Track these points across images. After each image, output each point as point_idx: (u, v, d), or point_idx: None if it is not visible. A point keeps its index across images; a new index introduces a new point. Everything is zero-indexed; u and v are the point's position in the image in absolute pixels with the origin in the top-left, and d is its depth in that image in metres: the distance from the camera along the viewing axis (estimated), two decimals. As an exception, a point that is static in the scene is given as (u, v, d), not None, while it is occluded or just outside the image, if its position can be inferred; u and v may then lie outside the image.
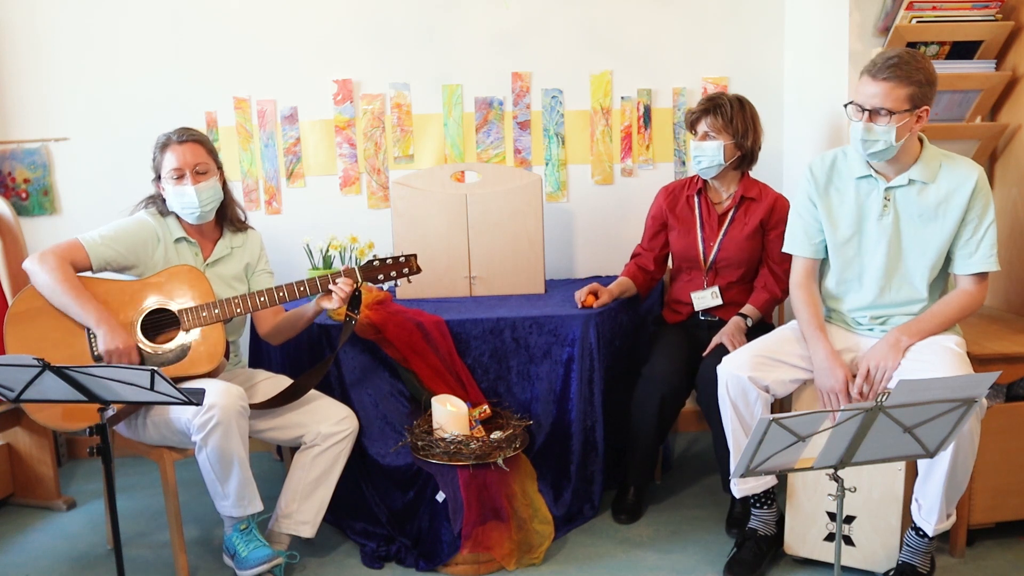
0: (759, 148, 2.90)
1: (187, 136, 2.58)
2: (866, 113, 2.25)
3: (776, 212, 2.86)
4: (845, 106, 2.32)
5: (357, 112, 3.46)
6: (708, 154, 2.81)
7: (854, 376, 2.38)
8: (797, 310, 2.49)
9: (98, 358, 2.41)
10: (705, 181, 2.95)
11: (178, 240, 2.62)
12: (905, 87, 2.22)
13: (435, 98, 3.47)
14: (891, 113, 2.23)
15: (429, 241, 3.08)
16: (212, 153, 2.63)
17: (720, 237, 2.90)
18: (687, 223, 2.96)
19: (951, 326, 2.41)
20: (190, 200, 2.55)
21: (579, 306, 2.87)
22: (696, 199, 2.95)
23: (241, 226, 2.75)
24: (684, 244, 2.95)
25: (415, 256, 2.68)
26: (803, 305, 2.48)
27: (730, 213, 2.90)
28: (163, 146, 2.57)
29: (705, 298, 2.92)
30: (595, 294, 2.89)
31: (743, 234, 2.87)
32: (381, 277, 2.63)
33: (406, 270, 2.65)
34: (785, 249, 2.56)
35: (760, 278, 2.91)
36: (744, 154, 2.86)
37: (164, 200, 2.62)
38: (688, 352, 2.83)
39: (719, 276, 2.92)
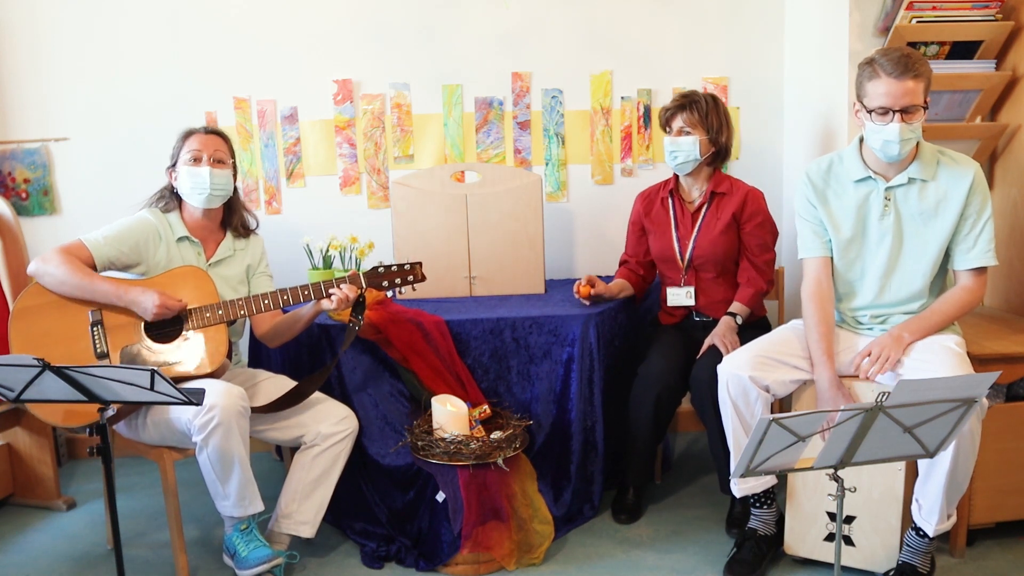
0: (731, 145, 2.94)
1: (213, 130, 2.67)
2: (897, 114, 2.26)
3: (749, 204, 2.88)
4: (869, 112, 2.31)
5: (357, 112, 3.46)
6: (684, 149, 2.84)
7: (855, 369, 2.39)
8: (808, 327, 2.46)
9: (101, 354, 2.42)
10: (677, 181, 2.97)
11: (180, 239, 2.62)
12: (922, 81, 2.28)
13: (435, 98, 3.47)
14: (922, 108, 2.28)
15: (429, 241, 3.08)
16: (232, 153, 2.68)
17: (694, 235, 2.91)
18: (662, 224, 2.98)
19: (952, 323, 2.41)
20: (202, 180, 2.57)
21: (576, 294, 2.88)
22: (670, 200, 2.97)
23: (245, 233, 2.77)
24: (660, 245, 2.98)
25: (420, 264, 2.68)
26: (814, 323, 2.44)
27: (702, 210, 2.92)
28: (187, 134, 2.64)
29: (679, 296, 2.94)
30: (592, 284, 2.89)
31: (716, 229, 2.88)
32: (385, 284, 2.63)
33: (411, 278, 2.65)
34: (801, 256, 2.55)
35: (742, 273, 2.92)
36: (718, 150, 2.89)
37: (173, 191, 2.65)
38: (684, 351, 2.84)
39: (698, 273, 2.93)
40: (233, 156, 2.69)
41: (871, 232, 2.44)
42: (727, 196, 2.90)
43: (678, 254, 2.94)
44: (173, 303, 2.44)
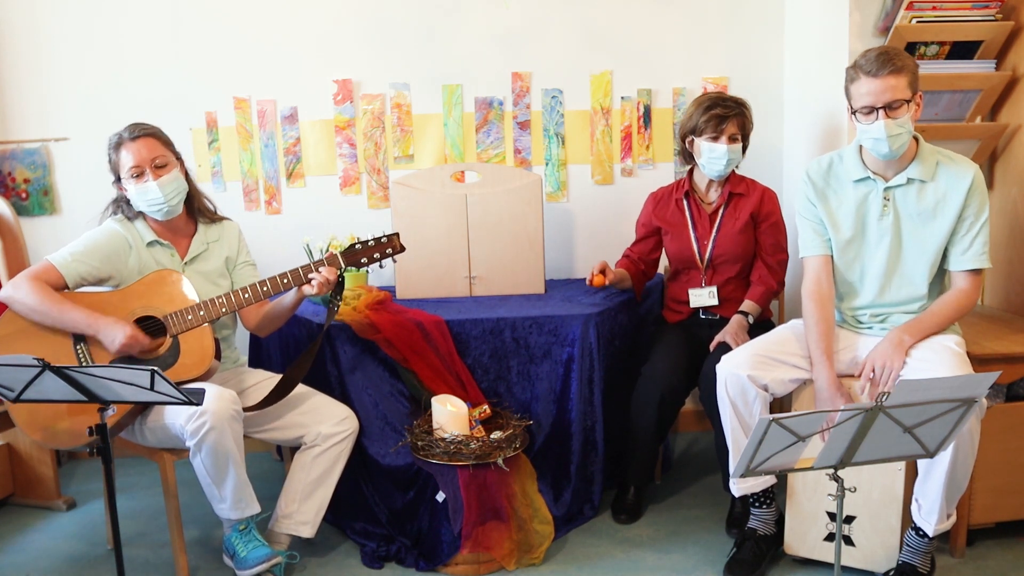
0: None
1: (139, 131, 2.51)
2: (880, 111, 2.27)
3: (765, 204, 2.91)
4: (853, 113, 2.33)
5: (357, 112, 3.46)
6: (736, 156, 2.86)
7: (857, 375, 2.39)
8: (808, 326, 2.46)
9: None
10: (692, 182, 2.98)
11: (150, 244, 2.56)
12: (905, 75, 2.28)
13: (435, 98, 3.47)
14: (906, 103, 2.28)
15: (429, 241, 3.08)
16: (168, 144, 2.56)
17: (713, 235, 2.92)
18: (679, 226, 2.98)
19: (950, 324, 2.41)
20: (154, 196, 2.49)
21: (589, 284, 2.89)
22: (685, 201, 2.98)
23: (213, 216, 2.70)
24: (678, 246, 2.97)
25: (397, 235, 2.60)
26: (814, 322, 2.44)
27: (720, 211, 2.93)
28: (116, 146, 2.51)
29: (702, 296, 2.94)
30: (603, 272, 2.91)
31: (735, 229, 2.89)
32: (364, 260, 2.57)
33: (389, 250, 2.58)
34: (802, 255, 2.55)
35: (755, 271, 2.93)
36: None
37: (128, 202, 2.56)
38: (688, 351, 2.84)
39: (717, 273, 2.94)
40: (172, 147, 2.56)
41: (870, 232, 2.44)
42: (744, 196, 2.92)
43: (697, 254, 2.94)
44: (143, 339, 2.38)
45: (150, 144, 2.51)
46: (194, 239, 2.64)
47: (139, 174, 2.48)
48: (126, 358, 2.40)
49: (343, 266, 2.55)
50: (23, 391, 1.95)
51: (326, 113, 3.46)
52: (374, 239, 2.58)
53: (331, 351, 2.77)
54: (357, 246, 2.58)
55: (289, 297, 2.59)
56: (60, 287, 2.43)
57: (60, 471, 3.29)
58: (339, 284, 2.56)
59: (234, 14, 3.38)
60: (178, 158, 2.58)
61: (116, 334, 2.35)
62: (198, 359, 2.45)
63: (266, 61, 3.41)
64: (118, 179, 2.55)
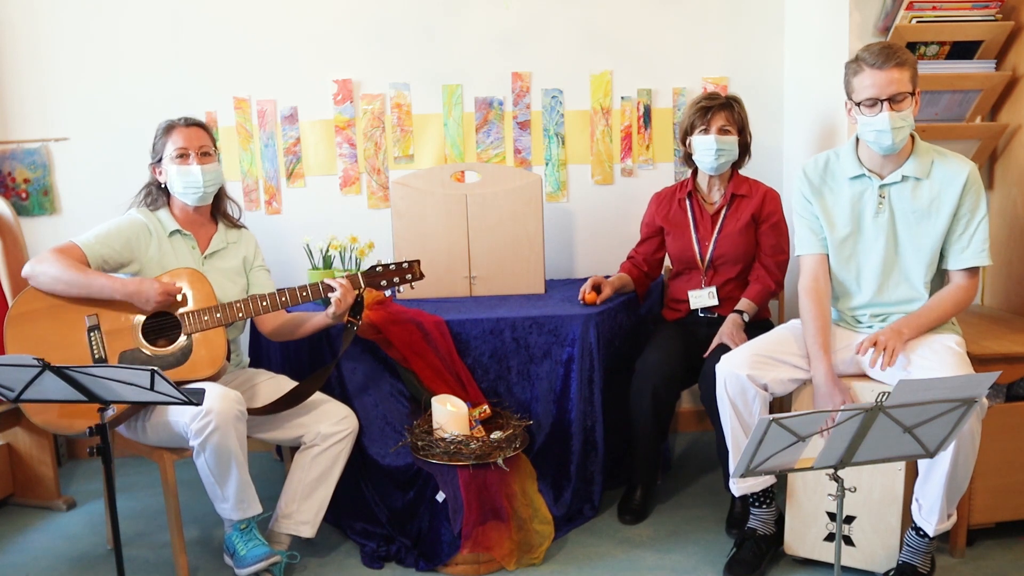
0: (750, 147, 2.98)
1: (193, 121, 2.63)
2: (885, 103, 2.27)
3: (767, 204, 2.92)
4: (858, 104, 2.33)
5: (357, 112, 3.46)
6: (728, 148, 2.86)
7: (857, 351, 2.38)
8: (805, 322, 2.47)
9: (99, 360, 2.41)
10: (695, 183, 2.98)
11: (172, 234, 2.61)
12: (907, 69, 2.29)
13: (435, 98, 3.47)
14: (909, 95, 2.30)
15: (429, 241, 3.08)
16: (214, 141, 2.67)
17: (715, 235, 2.92)
18: (681, 226, 2.99)
19: (946, 321, 2.41)
20: (194, 179, 2.56)
21: (582, 302, 2.88)
22: (688, 202, 2.98)
23: (233, 222, 2.77)
24: (680, 246, 2.98)
25: (418, 262, 2.68)
26: (811, 318, 2.45)
27: (722, 211, 2.93)
28: (167, 129, 2.60)
29: (702, 297, 2.95)
30: (597, 289, 2.91)
31: (736, 229, 2.91)
32: (384, 283, 2.63)
33: (409, 276, 2.66)
34: (798, 252, 2.56)
35: (753, 271, 2.94)
36: (742, 151, 2.93)
37: (159, 187, 2.63)
38: (683, 345, 2.85)
39: (718, 274, 2.94)
40: (216, 144, 2.67)
41: (866, 230, 2.44)
42: (747, 197, 2.93)
43: (698, 255, 2.95)
44: (173, 289, 2.45)
45: (200, 134, 2.61)
46: (215, 236, 2.70)
47: (183, 155, 2.56)
48: (128, 358, 2.43)
49: (363, 286, 2.60)
50: (23, 391, 1.95)
51: (326, 113, 3.46)
52: (395, 264, 2.65)
53: (331, 351, 2.78)
54: (378, 268, 2.63)
55: (317, 319, 2.65)
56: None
57: (60, 471, 3.29)
58: (358, 304, 2.61)
59: (234, 14, 3.38)
60: (218, 158, 2.68)
61: (149, 291, 2.42)
62: (209, 360, 2.47)
63: (266, 61, 3.42)
64: (157, 162, 2.62)
